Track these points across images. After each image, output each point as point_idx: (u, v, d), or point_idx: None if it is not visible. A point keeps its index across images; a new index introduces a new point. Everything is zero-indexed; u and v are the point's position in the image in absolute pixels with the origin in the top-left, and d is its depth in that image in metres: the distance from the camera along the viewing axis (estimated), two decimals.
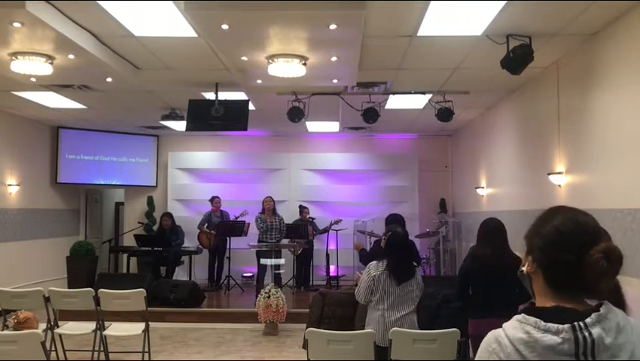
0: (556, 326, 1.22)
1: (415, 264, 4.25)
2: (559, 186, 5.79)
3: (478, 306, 4.09)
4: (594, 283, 1.28)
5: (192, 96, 7.06)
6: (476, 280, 4.15)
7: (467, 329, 4.14)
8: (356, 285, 4.28)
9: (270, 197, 9.41)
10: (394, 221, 5.23)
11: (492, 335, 1.31)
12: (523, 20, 4.71)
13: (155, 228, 10.77)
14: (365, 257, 5.77)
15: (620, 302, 2.05)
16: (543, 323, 1.23)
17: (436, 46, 5.41)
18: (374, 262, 4.12)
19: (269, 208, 9.22)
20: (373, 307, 4.07)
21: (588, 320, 1.24)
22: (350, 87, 6.92)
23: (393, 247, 4.11)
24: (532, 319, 1.25)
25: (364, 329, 4.12)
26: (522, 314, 1.28)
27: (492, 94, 7.54)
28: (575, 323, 1.23)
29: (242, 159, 11.32)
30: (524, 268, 1.38)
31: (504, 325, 1.30)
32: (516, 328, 1.26)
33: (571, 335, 1.21)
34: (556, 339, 1.21)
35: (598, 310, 1.26)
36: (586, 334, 1.22)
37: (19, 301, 5.42)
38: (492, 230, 4.23)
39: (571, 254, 1.28)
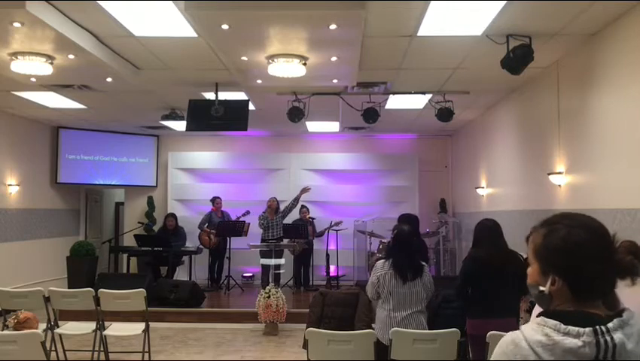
0: (576, 329, 1.22)
1: (423, 263, 4.25)
2: (559, 186, 5.79)
3: (477, 306, 4.08)
4: (622, 280, 1.30)
5: (192, 96, 7.06)
6: (477, 281, 4.14)
7: (465, 328, 4.14)
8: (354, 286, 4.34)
9: (275, 197, 9.85)
10: (403, 220, 5.24)
11: (509, 336, 1.30)
12: (523, 20, 4.71)
13: (156, 228, 10.78)
14: None
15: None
16: (563, 325, 1.23)
17: (436, 46, 5.41)
18: (381, 261, 4.13)
19: (271, 207, 9.64)
20: (380, 306, 4.10)
21: (610, 325, 1.23)
22: (350, 87, 6.92)
23: (397, 246, 4.12)
24: (552, 321, 1.24)
25: (364, 329, 4.13)
26: (542, 317, 1.27)
27: (492, 94, 7.54)
28: (597, 327, 1.22)
29: (242, 159, 11.32)
30: (544, 289, 1.33)
31: (523, 327, 1.29)
32: (534, 330, 1.25)
33: (593, 338, 1.21)
34: (577, 342, 1.20)
35: (620, 316, 1.27)
36: (608, 338, 1.21)
37: (19, 301, 5.42)
38: (490, 230, 4.22)
39: (597, 262, 1.28)
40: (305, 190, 9.75)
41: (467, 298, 4.19)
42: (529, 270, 1.40)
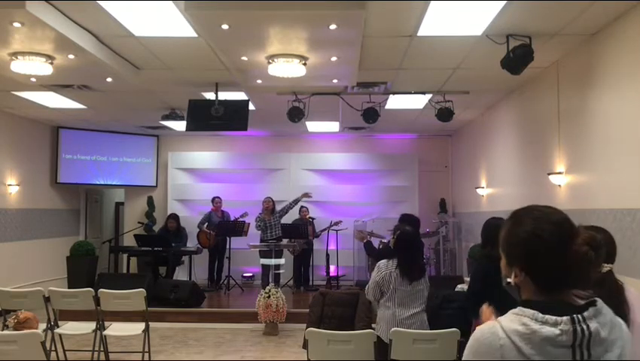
0: (554, 317, 1.24)
1: (425, 262, 4.27)
2: (559, 186, 5.79)
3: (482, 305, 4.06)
4: (585, 274, 1.31)
5: (192, 96, 7.06)
6: (493, 280, 4.10)
7: (470, 329, 4.12)
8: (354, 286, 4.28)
9: (270, 197, 9.70)
10: (405, 221, 5.23)
11: (486, 327, 1.31)
12: (523, 20, 4.71)
13: (156, 228, 10.78)
14: (370, 250, 5.72)
15: (622, 302, 2.06)
16: (541, 314, 1.24)
17: (436, 46, 5.41)
18: (384, 260, 4.12)
19: (267, 208, 9.54)
20: (383, 306, 4.08)
21: (586, 313, 1.26)
22: (350, 87, 6.92)
23: (403, 246, 4.12)
24: (530, 311, 1.26)
25: (364, 329, 4.12)
26: (519, 307, 1.28)
27: (492, 94, 7.54)
28: (574, 316, 1.24)
29: (242, 159, 11.32)
30: (510, 280, 1.37)
31: (499, 318, 1.30)
32: (512, 320, 1.27)
33: (570, 326, 1.23)
34: (555, 331, 1.22)
35: (594, 305, 1.29)
36: (584, 326, 1.24)
37: (19, 301, 5.42)
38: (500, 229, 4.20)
39: (557, 255, 1.30)
40: (306, 195, 9.72)
41: (481, 298, 4.15)
42: (502, 262, 1.42)
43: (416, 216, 5.67)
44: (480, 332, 1.30)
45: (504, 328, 1.26)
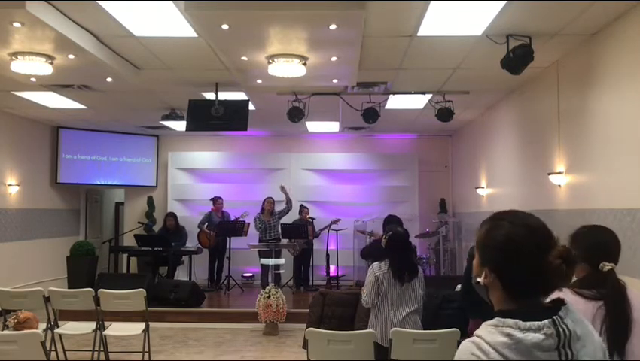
0: (536, 323, 1.23)
1: (425, 262, 4.25)
2: (559, 186, 5.79)
3: (480, 305, 4.06)
4: (556, 286, 1.31)
5: (192, 96, 7.06)
6: None
7: (467, 329, 4.13)
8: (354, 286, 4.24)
9: (271, 198, 9.71)
10: (393, 221, 5.24)
11: (469, 343, 1.27)
12: (523, 20, 4.71)
13: (156, 228, 10.78)
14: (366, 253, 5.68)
15: (625, 302, 2.05)
16: (522, 322, 1.23)
17: (436, 46, 5.41)
18: (376, 263, 4.10)
19: (269, 209, 9.58)
20: (377, 308, 4.06)
21: (561, 313, 1.26)
22: (350, 87, 6.92)
23: (394, 248, 4.10)
24: (510, 320, 1.24)
25: (363, 329, 4.11)
26: (497, 318, 1.26)
27: (492, 94, 7.54)
28: (554, 317, 1.24)
29: (242, 159, 11.32)
30: (480, 280, 1.37)
31: (478, 333, 1.28)
32: (493, 333, 1.24)
33: (553, 329, 1.23)
34: (539, 336, 1.21)
35: (563, 303, 1.29)
36: (564, 326, 1.24)
37: (19, 301, 5.42)
38: None
39: (528, 262, 1.29)
40: (282, 189, 9.59)
41: (474, 297, 4.16)
42: (474, 261, 1.42)
43: (399, 217, 5.67)
44: (466, 350, 1.26)
45: (488, 342, 1.23)
